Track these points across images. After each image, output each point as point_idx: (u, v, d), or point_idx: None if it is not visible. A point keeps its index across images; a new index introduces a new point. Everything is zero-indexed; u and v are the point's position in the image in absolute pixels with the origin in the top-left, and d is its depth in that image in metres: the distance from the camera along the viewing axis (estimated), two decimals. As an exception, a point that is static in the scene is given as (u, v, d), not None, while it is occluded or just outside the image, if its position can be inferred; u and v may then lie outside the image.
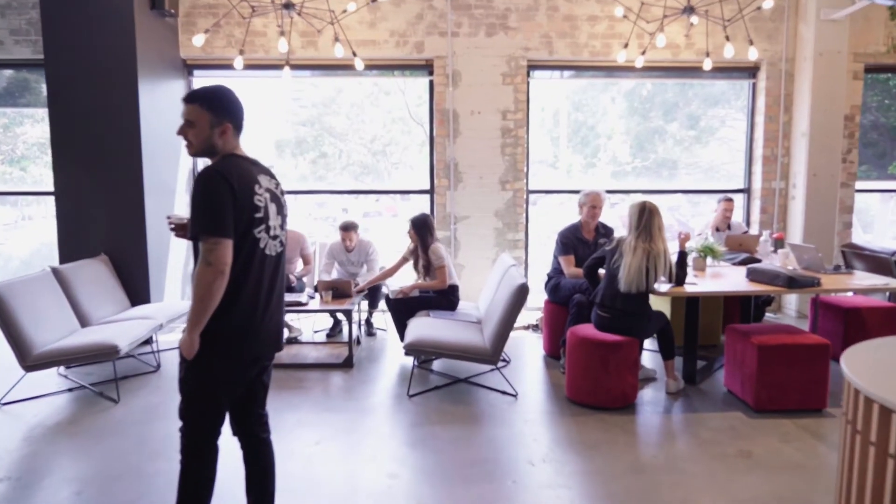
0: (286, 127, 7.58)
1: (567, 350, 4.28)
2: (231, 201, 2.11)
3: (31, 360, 4.07)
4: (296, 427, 3.76)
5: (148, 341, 5.09)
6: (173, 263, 6.03)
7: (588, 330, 4.20)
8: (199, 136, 2.22)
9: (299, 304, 4.98)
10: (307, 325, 6.12)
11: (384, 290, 5.78)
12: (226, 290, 2.12)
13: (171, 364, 5.00)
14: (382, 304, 5.68)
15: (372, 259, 5.83)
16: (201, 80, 6.54)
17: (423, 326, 4.51)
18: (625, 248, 4.09)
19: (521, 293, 4.10)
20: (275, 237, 2.28)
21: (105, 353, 4.13)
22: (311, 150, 7.57)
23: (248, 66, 6.40)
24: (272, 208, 2.27)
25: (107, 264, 5.40)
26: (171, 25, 6.10)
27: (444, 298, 5.08)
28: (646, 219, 4.07)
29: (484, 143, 6.40)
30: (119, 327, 4.56)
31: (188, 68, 6.42)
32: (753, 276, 4.46)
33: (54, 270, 4.80)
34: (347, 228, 5.71)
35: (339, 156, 7.52)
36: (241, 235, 2.15)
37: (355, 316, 5.53)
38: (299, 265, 5.98)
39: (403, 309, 5.02)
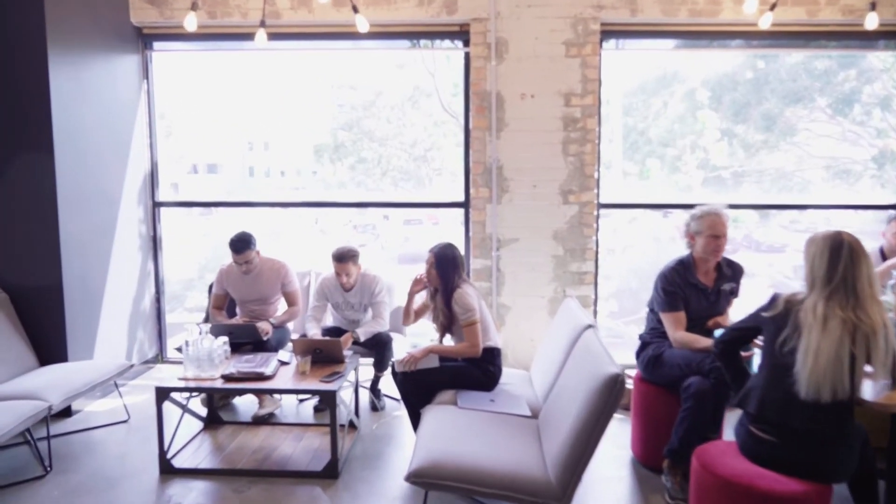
0: (325, 131, 7.41)
1: (693, 485, 2.48)
2: None
3: None
4: None
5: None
6: (114, 305, 4.44)
7: (732, 458, 2.39)
8: None
9: (259, 376, 3.29)
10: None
11: (395, 346, 4.07)
12: None
13: (73, 460, 3.38)
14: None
15: (379, 301, 4.11)
16: (163, 54, 4.96)
17: (443, 430, 2.76)
18: (804, 319, 2.26)
19: (610, 391, 2.32)
20: None
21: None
22: (350, 156, 7.35)
23: (220, 35, 4.79)
24: None
25: (3, 307, 3.83)
26: (116, -20, 4.54)
27: (477, 369, 3.33)
28: (844, 265, 2.24)
29: (539, 138, 4.61)
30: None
31: (144, 39, 4.83)
32: None
33: None
34: (342, 259, 4.00)
35: (378, 161, 7.26)
36: None
37: (345, 395, 3.79)
38: (280, 307, 4.31)
39: (415, 387, 3.28)
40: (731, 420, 2.99)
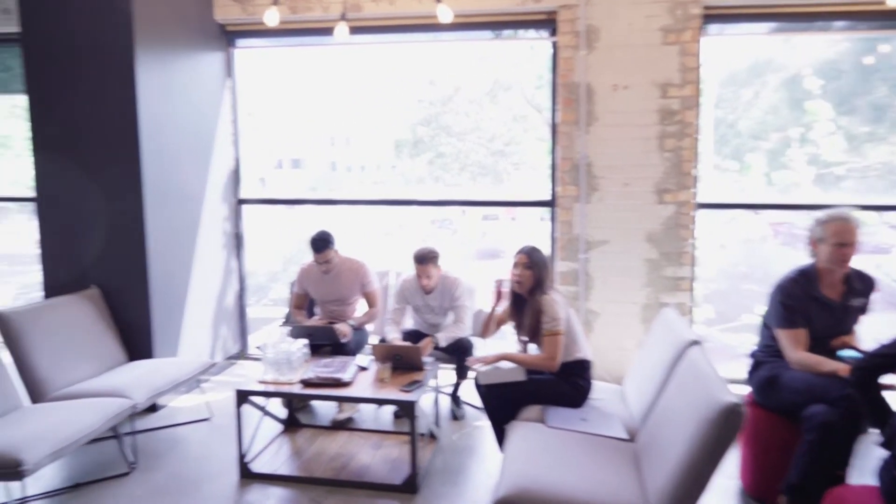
0: (404, 126, 7.42)
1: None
2: None
3: None
4: None
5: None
6: (198, 301, 4.48)
7: (873, 506, 2.06)
8: None
9: (338, 382, 3.18)
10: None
11: (476, 353, 3.88)
12: None
13: (156, 458, 3.39)
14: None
15: (460, 305, 3.93)
16: (246, 51, 4.96)
17: (531, 452, 2.55)
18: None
19: (726, 422, 2.04)
20: None
21: (3, 471, 2.54)
22: (429, 151, 7.35)
23: (301, 30, 4.74)
24: None
25: (96, 302, 3.91)
26: (202, -21, 4.55)
27: (565, 383, 3.08)
28: None
29: (632, 132, 4.30)
30: (61, 413, 2.98)
31: (227, 36, 4.84)
32: None
33: (0, 318, 3.34)
34: (423, 260, 3.84)
35: (456, 156, 7.25)
36: None
37: (426, 398, 3.63)
38: (359, 308, 4.21)
39: (500, 401, 3.08)
40: (863, 456, 2.63)
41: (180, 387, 3.65)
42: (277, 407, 3.84)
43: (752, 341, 3.13)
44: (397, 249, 7.40)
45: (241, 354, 5.18)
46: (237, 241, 5.07)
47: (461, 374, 3.90)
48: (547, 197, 4.61)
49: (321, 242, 3.91)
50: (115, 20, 3.82)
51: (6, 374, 3.18)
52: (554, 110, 4.51)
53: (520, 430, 2.77)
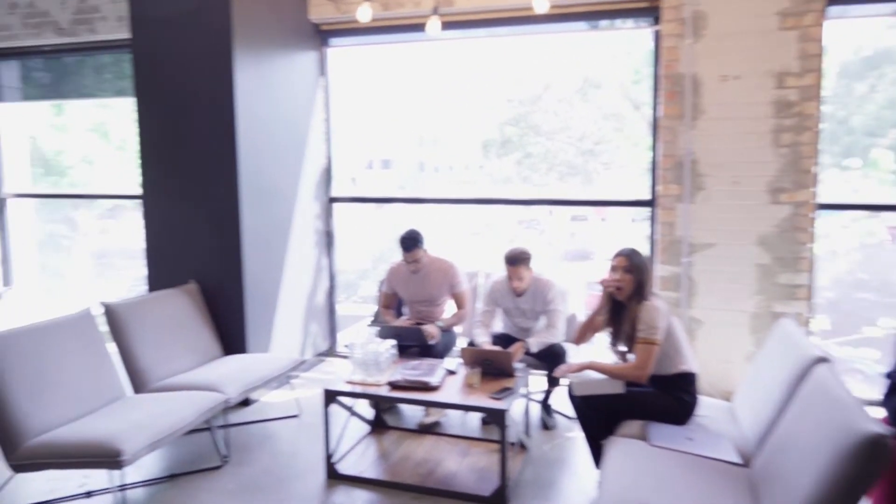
0: (492, 126, 7.32)
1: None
2: None
3: (18, 457, 2.70)
4: None
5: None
6: (289, 298, 4.54)
7: None
8: None
9: (425, 386, 3.09)
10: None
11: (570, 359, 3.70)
12: None
13: (247, 452, 3.44)
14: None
15: (553, 309, 3.74)
16: (338, 50, 4.98)
17: (634, 474, 2.34)
18: None
19: (870, 456, 1.77)
20: None
21: (104, 459, 2.62)
22: (517, 150, 7.26)
23: (393, 27, 4.70)
24: None
25: (193, 297, 4.02)
26: (297, -21, 4.61)
27: (668, 397, 2.85)
28: None
29: (742, 126, 3.96)
30: (159, 405, 3.06)
31: (321, 35, 4.88)
32: None
33: (107, 310, 3.49)
34: (515, 261, 3.69)
35: (544, 156, 7.12)
36: None
37: (516, 406, 3.46)
38: (448, 309, 4.12)
39: (596, 414, 2.88)
40: None
41: (271, 383, 3.69)
42: (364, 407, 3.80)
43: (872, 357, 2.78)
44: (484, 250, 7.30)
45: (330, 351, 5.22)
46: (328, 239, 5.11)
47: (553, 381, 3.72)
48: (646, 196, 4.34)
49: (410, 241, 3.84)
50: (215, 23, 3.92)
51: (112, 365, 3.31)
52: (655, 104, 4.24)
53: (619, 447, 2.57)
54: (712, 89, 3.99)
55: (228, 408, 3.37)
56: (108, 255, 6.94)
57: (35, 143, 6.47)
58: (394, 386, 3.11)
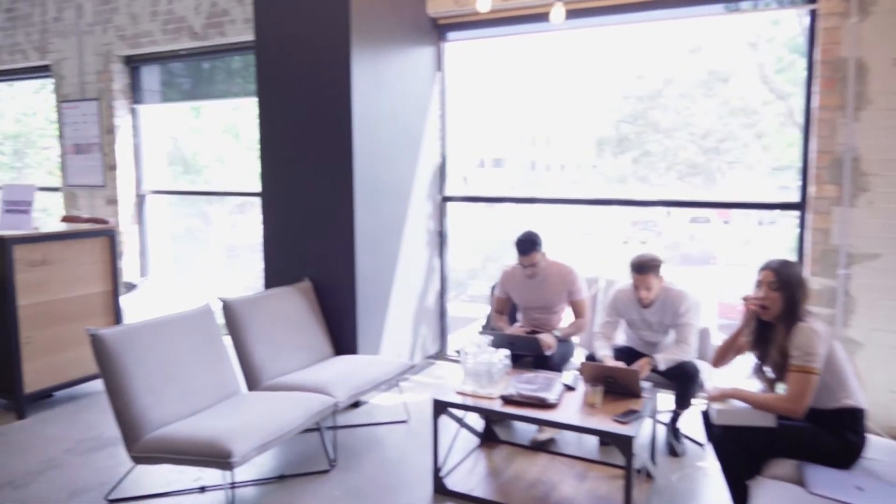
0: (608, 124, 7.12)
1: None
2: None
3: (138, 449, 2.76)
4: None
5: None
6: (401, 300, 4.45)
7: None
8: None
9: (542, 402, 2.85)
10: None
11: (703, 380, 3.32)
12: None
13: (355, 457, 3.36)
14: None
15: (684, 323, 3.37)
16: (454, 45, 4.83)
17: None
18: None
19: None
20: None
21: (215, 459, 2.60)
22: (634, 149, 6.97)
23: (513, 18, 4.48)
24: None
25: (307, 295, 4.02)
26: (417, -27, 4.51)
27: (831, 434, 2.43)
28: None
29: (920, 118, 3.40)
30: (271, 405, 3.03)
31: (439, 30, 4.75)
32: None
33: (224, 305, 3.54)
34: (643, 269, 3.36)
35: (663, 154, 6.77)
36: None
37: (645, 429, 3.14)
38: (565, 318, 3.85)
39: (739, 448, 2.52)
40: None
41: (380, 386, 3.60)
42: (475, 418, 3.63)
43: None
44: (596, 251, 6.99)
45: (440, 355, 5.10)
46: (441, 239, 4.99)
47: (683, 403, 3.35)
48: (795, 198, 3.85)
49: (527, 244, 3.62)
50: (333, 19, 3.88)
51: (229, 361, 3.34)
52: (809, 94, 3.74)
53: (770, 491, 2.21)
54: (881, 75, 3.45)
55: (337, 410, 3.31)
56: (237, 248, 7.29)
57: (176, 143, 6.93)
58: (507, 400, 2.90)
